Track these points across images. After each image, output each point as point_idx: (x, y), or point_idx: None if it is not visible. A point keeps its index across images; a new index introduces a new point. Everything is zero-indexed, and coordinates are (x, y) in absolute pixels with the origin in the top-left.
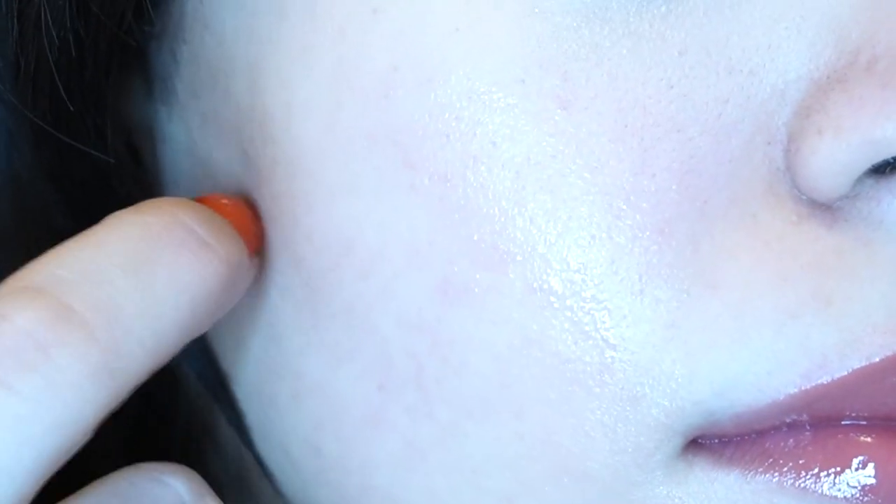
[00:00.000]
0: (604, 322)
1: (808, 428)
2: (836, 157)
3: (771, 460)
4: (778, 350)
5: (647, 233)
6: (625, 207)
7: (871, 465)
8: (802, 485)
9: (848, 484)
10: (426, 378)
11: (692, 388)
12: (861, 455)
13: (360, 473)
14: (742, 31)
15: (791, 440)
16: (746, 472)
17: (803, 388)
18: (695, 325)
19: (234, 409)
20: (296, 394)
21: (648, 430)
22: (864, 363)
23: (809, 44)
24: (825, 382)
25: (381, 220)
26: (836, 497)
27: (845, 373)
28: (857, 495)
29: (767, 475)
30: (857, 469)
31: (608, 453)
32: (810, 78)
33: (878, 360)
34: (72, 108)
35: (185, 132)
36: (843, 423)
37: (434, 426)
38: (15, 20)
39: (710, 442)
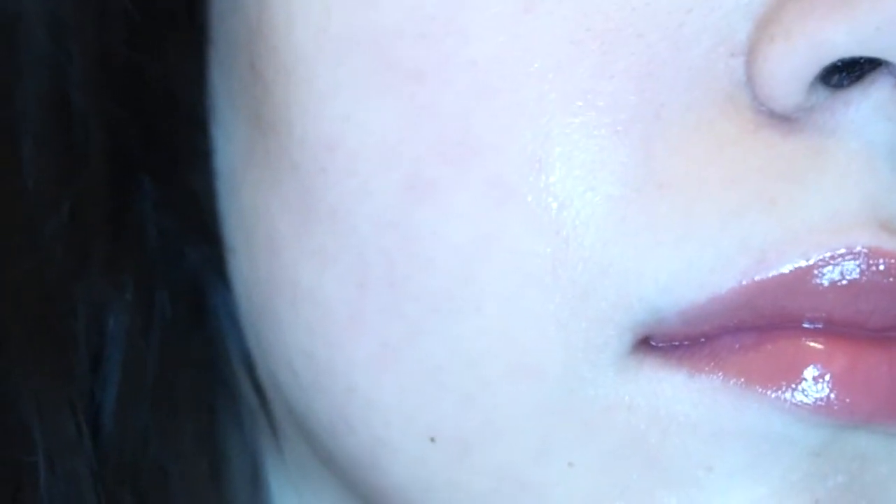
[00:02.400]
0: (558, 216)
1: (754, 331)
2: (785, 61)
3: (717, 360)
4: (720, 247)
5: (602, 131)
6: (582, 106)
7: (814, 369)
8: (746, 383)
9: (792, 387)
10: (397, 275)
11: (639, 284)
12: (807, 361)
13: (345, 376)
14: None
15: (737, 343)
16: (693, 371)
17: (743, 283)
18: (643, 221)
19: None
20: (293, 302)
21: (597, 325)
22: (801, 261)
23: None
24: (764, 278)
25: (361, 121)
26: (779, 398)
27: (784, 270)
28: (799, 399)
29: (713, 374)
30: (801, 372)
31: (561, 348)
32: None
33: (815, 258)
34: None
35: (215, 56)
36: (789, 327)
37: (404, 324)
38: None
39: (660, 344)
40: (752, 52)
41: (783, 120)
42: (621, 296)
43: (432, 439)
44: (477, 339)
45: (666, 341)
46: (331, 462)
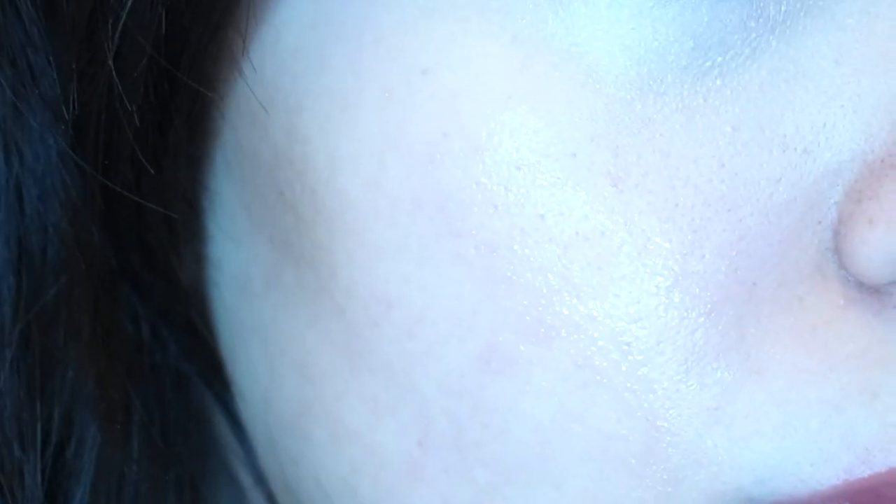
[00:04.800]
0: (649, 402)
1: None
2: (886, 248)
3: None
4: (821, 442)
5: (695, 314)
6: (673, 288)
7: None
8: None
9: None
10: (466, 441)
11: (734, 474)
12: None
13: None
14: (797, 107)
15: None
16: None
17: (846, 480)
18: (739, 410)
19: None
20: (334, 435)
21: None
22: None
23: (865, 124)
24: (867, 476)
25: (425, 285)
26: None
27: (887, 468)
28: None
29: None
30: None
31: None
32: (864, 159)
33: None
34: (153, 173)
35: (223, 161)
36: None
37: (472, 487)
38: (74, 91)
39: None
40: (843, 225)
41: (873, 293)
42: (714, 485)
43: None
44: None
45: None
46: None
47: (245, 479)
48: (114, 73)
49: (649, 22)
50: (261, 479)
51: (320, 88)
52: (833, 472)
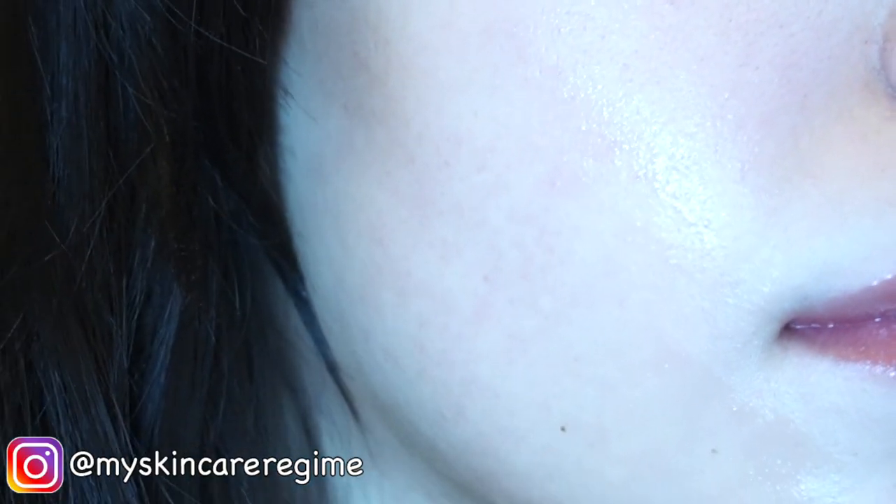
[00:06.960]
0: (706, 208)
1: None
2: None
3: (864, 349)
4: (875, 237)
5: (751, 123)
6: (729, 98)
7: None
8: (894, 374)
9: None
10: (532, 268)
11: (791, 274)
12: None
13: (463, 367)
14: None
15: (884, 330)
16: (839, 359)
17: None
18: (795, 211)
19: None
20: (402, 293)
21: (748, 315)
22: None
23: None
24: None
25: (495, 114)
26: None
27: None
28: None
29: (860, 364)
30: None
31: (708, 338)
32: None
33: None
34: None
35: (294, 38)
36: None
37: (538, 316)
38: None
39: (804, 328)
40: (888, 41)
41: None
42: (774, 285)
43: (563, 428)
44: (619, 330)
45: (808, 324)
46: (422, 446)
47: (311, 382)
48: None
49: None
50: (332, 368)
51: None
52: (886, 266)
